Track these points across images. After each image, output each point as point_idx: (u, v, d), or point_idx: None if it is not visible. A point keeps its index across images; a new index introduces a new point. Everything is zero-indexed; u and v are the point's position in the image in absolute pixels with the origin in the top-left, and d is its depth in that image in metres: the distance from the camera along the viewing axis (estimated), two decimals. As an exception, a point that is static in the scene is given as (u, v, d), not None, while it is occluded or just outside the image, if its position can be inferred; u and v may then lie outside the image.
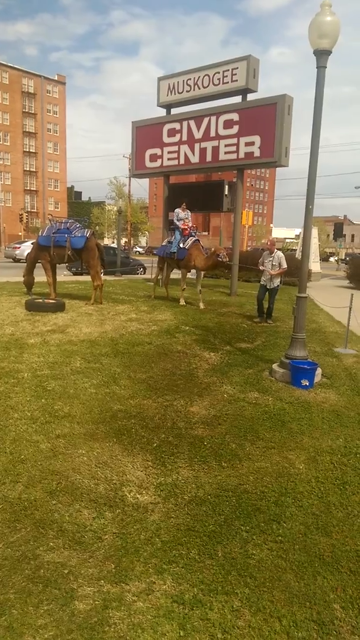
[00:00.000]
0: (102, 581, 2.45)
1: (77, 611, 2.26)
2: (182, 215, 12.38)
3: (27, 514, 2.96)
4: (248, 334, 8.79)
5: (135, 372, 6.10)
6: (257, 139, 13.23)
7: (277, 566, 2.67)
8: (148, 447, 4.01)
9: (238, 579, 2.54)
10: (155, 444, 4.08)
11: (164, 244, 12.97)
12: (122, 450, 3.94)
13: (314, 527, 3.04)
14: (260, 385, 5.85)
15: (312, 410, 5.06)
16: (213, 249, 11.93)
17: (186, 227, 12.31)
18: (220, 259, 11.15)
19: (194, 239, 12.14)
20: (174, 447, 4.05)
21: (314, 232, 25.03)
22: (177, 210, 12.51)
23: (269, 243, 10.28)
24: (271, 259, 9.99)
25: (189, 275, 12.83)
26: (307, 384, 5.78)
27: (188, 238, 12.06)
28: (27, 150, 67.77)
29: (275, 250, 10.13)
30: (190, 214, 12.61)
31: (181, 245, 12.02)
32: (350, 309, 8.19)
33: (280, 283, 10.49)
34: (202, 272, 12.31)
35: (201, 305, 11.51)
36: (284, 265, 9.89)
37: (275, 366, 6.29)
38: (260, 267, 10.22)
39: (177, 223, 12.35)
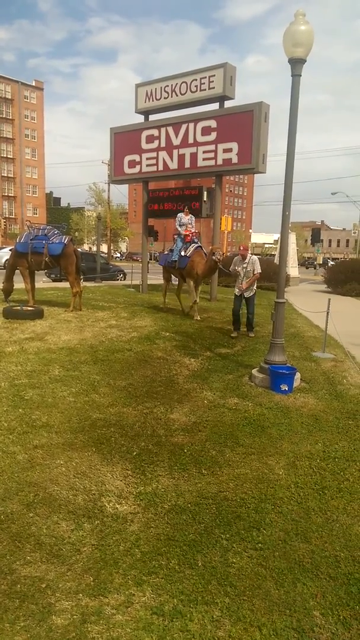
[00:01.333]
0: (81, 595, 2.41)
1: (55, 626, 2.21)
2: (185, 220, 11.45)
3: (3, 527, 2.90)
4: (228, 340, 8.82)
5: (114, 380, 6.05)
6: (234, 145, 13.33)
7: (257, 574, 2.66)
8: (128, 456, 3.98)
9: (218, 589, 2.53)
10: (135, 453, 4.05)
11: (166, 252, 12.18)
12: (101, 459, 3.89)
13: (293, 533, 3.05)
14: (240, 390, 5.86)
15: (291, 415, 5.09)
16: (210, 247, 11.02)
17: (189, 233, 11.37)
18: (215, 259, 10.22)
19: (196, 245, 11.27)
20: (153, 455, 4.03)
21: (292, 237, 25.30)
22: (179, 214, 11.57)
23: (241, 248, 9.68)
24: (245, 265, 9.27)
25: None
26: (286, 388, 5.81)
27: (190, 245, 11.23)
28: (5, 156, 67.16)
29: (249, 255, 9.45)
30: (194, 219, 11.67)
31: (182, 253, 11.18)
32: (327, 313, 8.29)
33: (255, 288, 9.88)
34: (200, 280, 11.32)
35: (196, 317, 10.75)
36: (258, 270, 9.24)
37: (254, 371, 6.32)
38: (233, 271, 9.49)
39: (179, 229, 11.45)
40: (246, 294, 9.48)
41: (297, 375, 6.19)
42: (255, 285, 9.53)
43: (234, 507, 3.29)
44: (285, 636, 2.23)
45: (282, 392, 5.77)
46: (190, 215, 11.55)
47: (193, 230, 11.46)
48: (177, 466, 3.85)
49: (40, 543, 2.78)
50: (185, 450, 4.13)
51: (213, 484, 3.59)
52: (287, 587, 2.57)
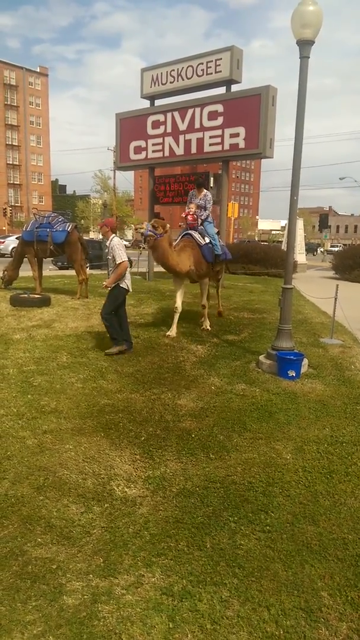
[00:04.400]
0: (91, 575, 2.45)
1: (66, 606, 2.25)
2: (196, 201, 8.48)
3: (14, 510, 2.94)
4: (235, 326, 8.81)
5: (122, 366, 6.08)
6: (241, 130, 13.18)
7: (265, 556, 2.68)
8: (136, 441, 4.01)
9: (227, 570, 2.56)
10: (143, 438, 4.08)
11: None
12: (110, 444, 3.93)
13: (301, 516, 3.07)
14: (247, 376, 5.87)
15: (298, 401, 5.09)
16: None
17: (187, 215, 8.38)
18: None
19: (185, 232, 8.35)
20: (161, 440, 4.05)
21: (300, 223, 25.12)
22: (205, 192, 8.53)
23: (103, 223, 7.03)
24: (106, 250, 6.96)
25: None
26: (294, 374, 5.81)
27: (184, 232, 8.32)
28: (10, 143, 66.88)
29: (112, 236, 6.69)
30: (208, 195, 8.52)
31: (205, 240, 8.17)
32: (335, 299, 8.25)
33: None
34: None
35: (206, 326, 8.43)
36: (118, 260, 6.44)
37: (262, 358, 6.32)
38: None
39: (208, 208, 8.42)
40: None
41: (305, 362, 6.18)
42: (121, 279, 6.58)
43: (242, 491, 3.32)
44: (293, 616, 2.26)
45: (289, 378, 5.77)
46: (204, 191, 8.52)
47: (191, 212, 8.34)
48: (185, 451, 3.87)
49: (51, 525, 2.82)
50: (193, 435, 4.16)
51: (221, 468, 3.61)
52: (295, 568, 2.59)
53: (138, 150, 15.82)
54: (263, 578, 2.50)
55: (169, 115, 14.79)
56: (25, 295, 9.99)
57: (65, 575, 2.43)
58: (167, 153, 15.08)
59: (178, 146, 14.75)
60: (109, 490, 3.25)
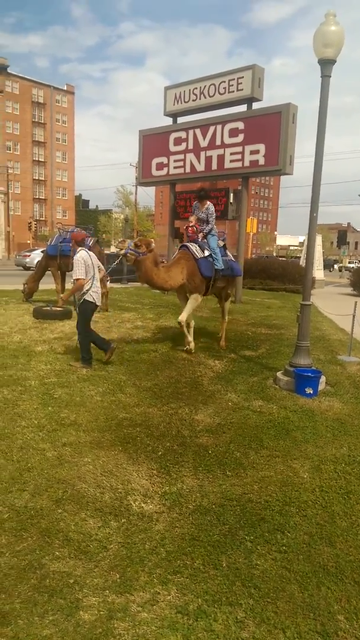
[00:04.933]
0: (107, 591, 2.47)
1: (82, 621, 2.27)
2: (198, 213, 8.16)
3: (33, 522, 2.98)
4: (252, 342, 8.80)
5: (140, 380, 6.12)
6: (262, 147, 13.30)
7: (281, 576, 2.67)
8: (153, 456, 4.03)
9: (242, 590, 2.55)
10: (160, 453, 4.10)
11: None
12: (128, 458, 3.96)
13: (318, 537, 3.04)
14: (265, 393, 5.86)
15: (316, 419, 5.06)
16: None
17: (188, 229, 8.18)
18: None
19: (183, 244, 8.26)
20: (178, 455, 4.07)
21: (318, 239, 25.03)
22: (208, 205, 8.09)
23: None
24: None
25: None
26: (311, 392, 5.77)
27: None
28: (37, 159, 68.40)
29: (79, 249, 6.72)
30: (209, 209, 8.05)
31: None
32: (353, 316, 8.19)
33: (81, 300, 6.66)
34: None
35: (190, 345, 7.78)
36: (74, 276, 6.51)
37: (279, 374, 6.30)
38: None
39: (210, 221, 8.02)
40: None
41: (323, 379, 6.14)
42: (86, 293, 6.56)
43: (258, 510, 3.30)
44: (309, 639, 2.24)
45: (307, 396, 5.74)
46: (206, 204, 8.06)
47: (190, 224, 8.18)
48: (202, 467, 3.88)
49: (69, 539, 2.85)
50: (210, 452, 4.16)
51: (237, 486, 3.61)
52: (311, 590, 2.57)
53: (160, 166, 16.06)
54: (279, 599, 2.49)
55: (190, 132, 15.01)
56: (48, 308, 10.16)
57: (82, 590, 2.46)
58: (188, 169, 15.28)
59: (199, 162, 14.93)
60: (126, 505, 3.27)
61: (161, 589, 2.52)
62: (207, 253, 7.82)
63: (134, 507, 3.26)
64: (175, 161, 15.58)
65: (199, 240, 8.01)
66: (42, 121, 68.64)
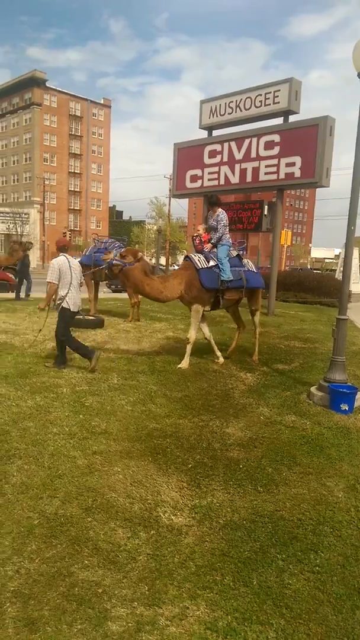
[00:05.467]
0: (136, 603, 2.44)
1: (110, 632, 2.25)
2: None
3: (63, 530, 2.99)
4: (285, 355, 8.67)
5: (171, 391, 6.11)
6: (297, 159, 13.21)
7: (314, 598, 2.58)
8: (183, 468, 3.99)
9: (273, 609, 2.48)
10: (190, 465, 4.06)
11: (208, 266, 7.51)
12: (157, 469, 3.93)
13: (352, 559, 2.93)
14: (298, 408, 5.74)
15: (351, 436, 4.92)
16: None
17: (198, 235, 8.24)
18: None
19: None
20: (209, 468, 4.02)
21: (355, 252, 24.61)
22: (219, 212, 7.91)
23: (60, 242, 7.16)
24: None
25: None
26: (347, 408, 5.63)
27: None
28: (72, 171, 70.03)
29: (59, 255, 6.85)
30: (222, 215, 7.88)
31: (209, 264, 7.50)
32: (392, 332, 7.97)
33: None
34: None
35: (219, 359, 7.80)
36: (48, 278, 6.67)
37: (313, 389, 6.17)
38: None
39: (219, 229, 7.78)
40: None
41: (359, 395, 5.98)
42: (62, 300, 6.74)
43: (290, 528, 3.22)
44: (343, 666, 2.15)
45: (342, 412, 5.59)
46: (217, 211, 7.97)
47: (196, 234, 8.54)
48: (233, 481, 3.82)
49: (98, 548, 2.84)
50: (241, 466, 4.09)
51: (269, 502, 3.53)
52: (346, 613, 2.47)
53: (194, 178, 16.14)
54: (311, 621, 2.41)
55: (225, 145, 15.06)
56: (81, 317, 10.28)
57: (110, 601, 2.43)
58: (222, 181, 15.30)
59: (233, 175, 14.94)
60: (155, 517, 3.24)
61: (190, 603, 2.47)
62: (212, 263, 7.49)
63: (163, 519, 3.23)
64: (209, 173, 15.63)
65: (206, 250, 7.82)
66: (79, 134, 70.34)
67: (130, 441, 4.46)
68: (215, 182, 15.51)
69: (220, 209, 7.93)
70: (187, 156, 16.28)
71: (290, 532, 3.17)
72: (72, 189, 70.52)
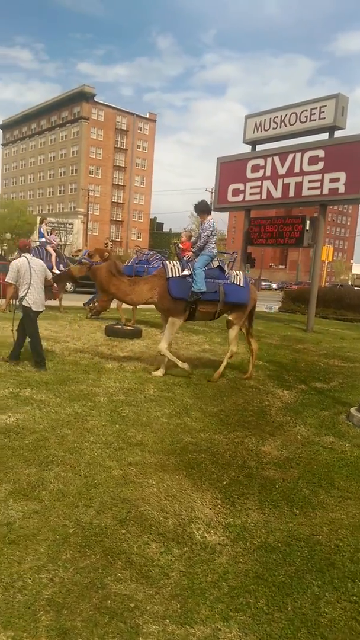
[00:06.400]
0: (167, 620, 2.42)
1: (141, 648, 2.23)
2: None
3: (98, 540, 3.00)
4: (324, 373, 8.49)
5: (206, 405, 6.08)
6: (342, 175, 13.06)
7: (352, 629, 2.49)
8: (217, 485, 3.95)
9: (308, 637, 2.40)
10: (225, 482, 4.01)
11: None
12: (192, 484, 3.91)
13: (393, 592, 2.81)
14: (337, 429, 5.60)
15: (393, 462, 4.75)
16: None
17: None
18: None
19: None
20: (244, 487, 3.96)
21: None
22: (208, 219, 7.42)
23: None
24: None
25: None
26: (389, 432, 5.44)
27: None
28: (116, 183, 71.57)
29: (22, 255, 7.14)
30: (208, 224, 7.34)
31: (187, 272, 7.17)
32: None
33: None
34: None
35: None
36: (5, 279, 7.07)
37: (353, 410, 6.01)
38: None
39: (202, 237, 7.32)
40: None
41: None
42: (22, 299, 6.89)
43: (327, 553, 3.12)
44: None
45: (383, 436, 5.41)
46: (205, 218, 7.48)
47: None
48: (268, 502, 3.74)
49: (131, 561, 2.84)
50: (277, 486, 4.01)
51: (305, 526, 3.44)
52: (385, 650, 2.37)
53: (236, 192, 16.18)
54: (348, 655, 2.32)
55: (269, 159, 15.05)
56: (119, 327, 10.42)
57: (142, 616, 2.42)
58: (264, 196, 15.28)
59: (276, 189, 14.89)
60: (189, 533, 3.21)
61: (222, 625, 2.43)
62: (186, 273, 7.10)
63: (196, 535, 3.20)
64: (251, 188, 15.64)
65: (185, 259, 7.53)
66: (124, 147, 71.92)
67: (165, 454, 4.45)
68: (257, 197, 15.51)
69: (210, 217, 7.45)
70: (230, 170, 16.37)
71: (327, 559, 3.07)
72: (115, 201, 71.98)
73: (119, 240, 70.94)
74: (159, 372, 7.33)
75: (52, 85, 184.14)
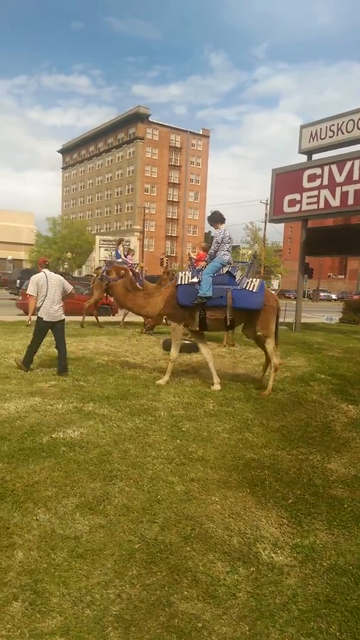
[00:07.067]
0: (236, 643, 2.35)
1: (210, 671, 2.18)
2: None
3: (163, 557, 2.99)
4: (392, 388, 8.10)
5: (268, 420, 5.96)
6: None
7: None
8: (283, 503, 3.84)
9: (387, 671, 2.26)
10: (290, 500, 3.89)
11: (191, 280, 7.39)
12: (256, 502, 3.82)
13: None
14: None
15: None
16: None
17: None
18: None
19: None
20: (310, 506, 3.82)
21: None
22: (220, 228, 7.61)
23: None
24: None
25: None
26: None
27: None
28: (171, 199, 72.76)
29: (41, 270, 7.87)
30: (218, 232, 7.57)
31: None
32: None
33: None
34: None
35: (215, 385, 7.35)
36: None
37: None
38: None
39: (213, 246, 7.59)
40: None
41: None
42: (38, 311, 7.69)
43: None
44: None
45: None
46: (218, 228, 7.68)
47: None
48: (337, 522, 3.59)
49: (197, 580, 2.80)
50: (346, 506, 3.84)
51: (378, 549, 3.26)
52: None
53: (292, 203, 15.99)
54: None
55: (326, 168, 14.78)
56: (177, 341, 10.47)
57: (210, 637, 2.37)
58: (322, 205, 14.99)
59: (334, 198, 14.58)
60: (255, 553, 3.13)
61: (293, 652, 2.33)
62: (195, 280, 7.29)
63: (263, 556, 3.11)
64: (308, 197, 15.40)
65: (198, 267, 7.81)
66: (178, 164, 73.14)
67: (227, 470, 4.39)
68: (315, 206, 15.25)
69: (222, 226, 7.62)
70: (285, 181, 16.22)
71: None
72: (170, 217, 73.13)
73: (174, 255, 71.79)
74: (217, 386, 7.29)
75: (109, 109, 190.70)
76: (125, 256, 14.74)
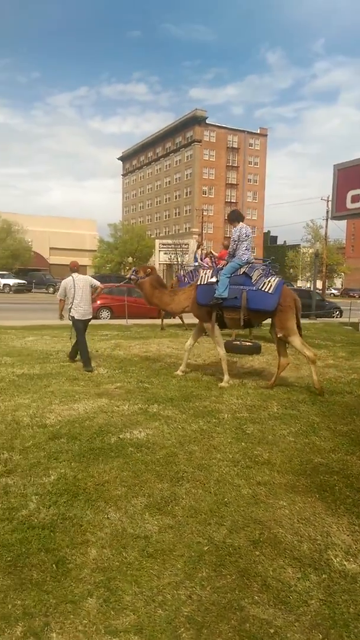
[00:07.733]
0: (310, 652, 2.31)
1: None
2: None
3: (232, 560, 2.98)
4: None
5: (335, 424, 5.79)
6: None
7: None
8: (354, 510, 3.71)
9: None
10: (362, 507, 3.76)
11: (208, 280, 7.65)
12: (326, 508, 3.72)
13: None
14: None
15: None
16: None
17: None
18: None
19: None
20: (384, 513, 3.67)
21: None
22: (238, 225, 7.85)
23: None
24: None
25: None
26: None
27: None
28: (228, 200, 72.42)
29: (71, 274, 8.61)
30: (236, 229, 7.80)
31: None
32: None
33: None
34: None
35: (224, 383, 7.45)
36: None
37: None
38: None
39: (232, 245, 7.82)
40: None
41: None
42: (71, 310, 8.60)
43: None
44: None
45: None
46: (236, 226, 8.00)
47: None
48: None
49: (267, 585, 2.77)
50: None
51: None
52: None
53: (356, 199, 15.46)
54: None
55: (391, 161, 14.17)
56: (238, 343, 10.42)
57: (283, 643, 2.34)
58: (387, 200, 14.38)
59: None
60: (326, 560, 3.05)
61: (371, 665, 2.25)
62: (214, 280, 7.44)
63: (335, 563, 3.03)
64: (373, 192, 14.84)
65: (218, 267, 7.83)
66: (235, 165, 72.73)
67: (295, 474, 4.31)
68: (380, 201, 14.65)
69: (239, 224, 7.78)
70: (348, 176, 15.71)
71: None
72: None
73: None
74: (225, 384, 7.35)
75: (166, 114, 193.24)
76: (202, 259, 14.93)
